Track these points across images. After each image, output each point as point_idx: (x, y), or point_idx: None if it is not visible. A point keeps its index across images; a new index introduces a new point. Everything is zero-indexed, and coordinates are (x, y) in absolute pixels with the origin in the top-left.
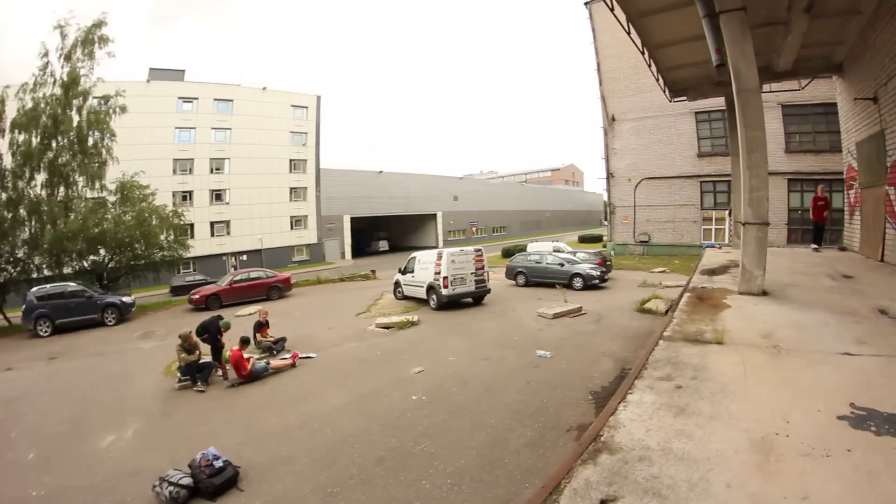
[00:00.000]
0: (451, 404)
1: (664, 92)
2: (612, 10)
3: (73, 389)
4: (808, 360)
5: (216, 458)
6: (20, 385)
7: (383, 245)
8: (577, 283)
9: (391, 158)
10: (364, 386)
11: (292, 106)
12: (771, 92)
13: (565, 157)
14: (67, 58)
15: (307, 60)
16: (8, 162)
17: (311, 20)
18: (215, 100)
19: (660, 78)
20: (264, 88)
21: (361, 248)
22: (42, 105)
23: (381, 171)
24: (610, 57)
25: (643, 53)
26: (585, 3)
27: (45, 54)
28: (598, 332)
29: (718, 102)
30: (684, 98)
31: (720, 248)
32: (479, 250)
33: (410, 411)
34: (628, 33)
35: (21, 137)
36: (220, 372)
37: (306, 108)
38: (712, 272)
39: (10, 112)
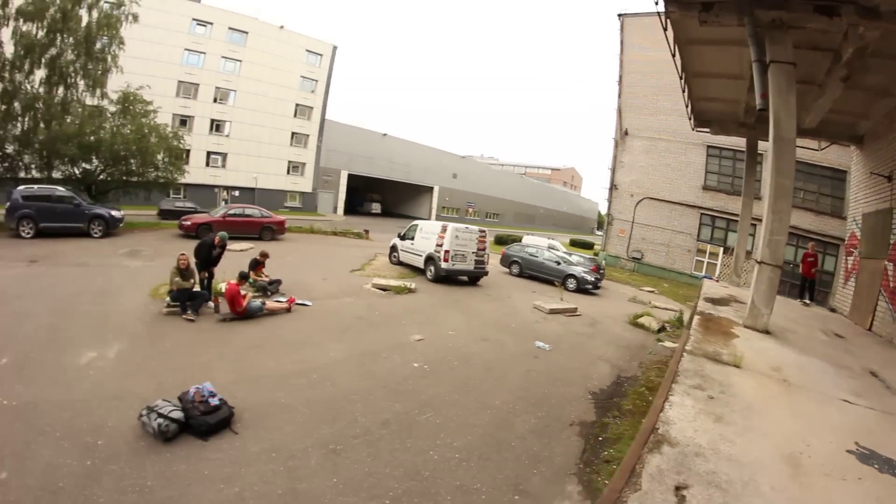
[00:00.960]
0: (453, 378)
1: (690, 120)
2: (665, 29)
3: (54, 297)
4: (814, 398)
5: (212, 395)
6: None
7: (376, 207)
8: (571, 283)
9: (393, 123)
10: (363, 344)
11: (307, 51)
12: None
13: (566, 158)
14: None
15: (323, 6)
16: (9, 53)
17: None
18: (230, 28)
19: (689, 105)
20: (281, 27)
21: (354, 206)
22: None
23: (385, 134)
24: (633, 73)
25: (681, 78)
26: (619, 15)
27: None
28: (594, 336)
29: (731, 141)
30: (707, 130)
31: (717, 281)
32: (483, 231)
33: (413, 378)
34: (673, 56)
35: (25, 27)
36: (211, 304)
37: (321, 55)
38: (715, 302)
39: (17, 2)
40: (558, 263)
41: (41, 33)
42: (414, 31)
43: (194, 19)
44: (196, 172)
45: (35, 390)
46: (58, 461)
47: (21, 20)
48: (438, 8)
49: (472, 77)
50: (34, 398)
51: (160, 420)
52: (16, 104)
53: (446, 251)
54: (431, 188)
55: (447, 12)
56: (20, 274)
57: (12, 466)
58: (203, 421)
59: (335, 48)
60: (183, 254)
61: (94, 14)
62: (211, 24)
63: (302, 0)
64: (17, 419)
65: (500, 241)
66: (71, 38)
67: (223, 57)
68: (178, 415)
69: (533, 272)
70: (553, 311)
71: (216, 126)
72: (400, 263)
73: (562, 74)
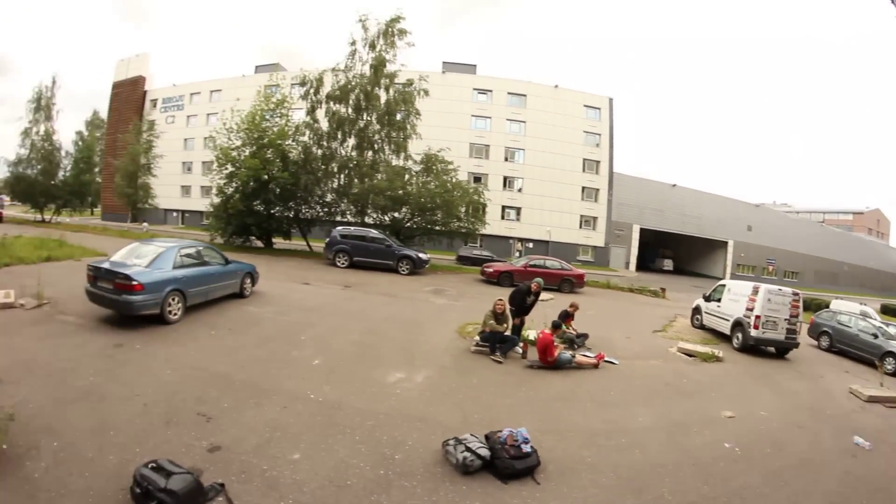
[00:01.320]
0: (765, 468)
1: None
2: None
3: (364, 318)
4: None
5: (525, 441)
6: (315, 300)
7: (668, 264)
8: (890, 363)
9: (677, 170)
10: (672, 413)
11: (585, 106)
12: None
13: (868, 197)
14: (372, 46)
15: (589, 60)
16: (324, 126)
17: (586, 21)
18: (508, 93)
19: None
20: (556, 86)
21: (645, 262)
22: (353, 83)
23: (674, 185)
24: None
25: None
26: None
27: (353, 43)
28: None
29: None
30: None
31: None
32: (798, 295)
33: (723, 460)
34: None
35: (335, 108)
36: (519, 349)
37: (599, 109)
38: None
39: (324, 89)
40: (876, 337)
41: (349, 110)
42: (679, 68)
43: (475, 89)
44: (492, 224)
45: (341, 394)
46: (351, 461)
47: (331, 102)
48: (702, 42)
49: (752, 114)
50: (339, 400)
51: (466, 453)
52: (333, 165)
53: (757, 316)
54: (725, 242)
55: (711, 48)
56: (336, 295)
57: (306, 451)
58: (510, 464)
59: (611, 100)
60: (500, 299)
61: (391, 92)
62: (490, 91)
63: (574, 56)
64: (319, 413)
65: (805, 306)
66: (373, 113)
67: (507, 119)
68: (484, 452)
69: (844, 345)
70: (872, 399)
71: (508, 182)
72: (702, 327)
73: (847, 92)
